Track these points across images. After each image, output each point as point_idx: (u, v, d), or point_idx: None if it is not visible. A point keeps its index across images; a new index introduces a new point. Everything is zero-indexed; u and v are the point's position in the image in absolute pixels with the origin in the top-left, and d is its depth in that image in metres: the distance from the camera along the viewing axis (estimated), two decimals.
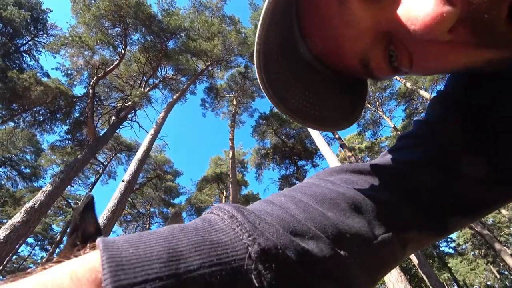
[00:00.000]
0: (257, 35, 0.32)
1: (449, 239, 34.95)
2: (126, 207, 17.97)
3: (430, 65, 0.32)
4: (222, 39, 17.00)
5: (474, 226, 20.47)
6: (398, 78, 20.29)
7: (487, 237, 17.69)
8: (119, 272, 0.17)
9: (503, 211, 19.21)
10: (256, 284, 0.21)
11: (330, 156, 12.14)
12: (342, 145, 19.26)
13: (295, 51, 0.37)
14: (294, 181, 26.10)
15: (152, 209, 25.57)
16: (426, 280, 12.76)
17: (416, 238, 0.36)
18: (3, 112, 13.77)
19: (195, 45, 16.01)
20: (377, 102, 23.05)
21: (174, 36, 16.36)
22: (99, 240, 0.21)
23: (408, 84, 18.97)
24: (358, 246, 0.30)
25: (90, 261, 0.19)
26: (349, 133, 33.79)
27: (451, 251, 34.80)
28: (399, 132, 23.25)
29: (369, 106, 22.71)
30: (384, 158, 0.44)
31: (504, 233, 33.05)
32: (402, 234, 0.34)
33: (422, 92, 19.56)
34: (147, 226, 25.49)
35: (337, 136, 19.33)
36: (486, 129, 0.39)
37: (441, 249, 34.19)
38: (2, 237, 7.97)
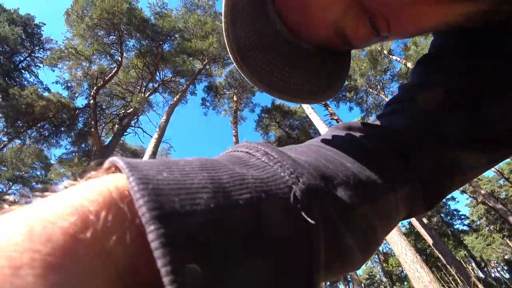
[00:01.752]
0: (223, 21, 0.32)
1: (462, 217, 34.77)
2: None
3: (407, 27, 0.33)
4: (217, 36, 16.94)
5: (487, 201, 20.30)
6: (398, 59, 20.02)
7: (501, 211, 17.56)
8: (158, 197, 0.15)
9: None
10: (305, 224, 0.20)
11: None
12: None
13: (269, 25, 0.36)
14: None
15: None
16: (442, 259, 12.74)
17: (411, 197, 0.36)
18: (9, 130, 13.96)
19: (191, 45, 16.00)
20: (378, 86, 22.84)
21: (169, 38, 16.36)
22: (116, 160, 0.18)
23: (409, 64, 18.73)
24: (375, 196, 0.30)
25: (112, 183, 0.16)
26: (353, 118, 33.63)
27: (465, 228, 34.64)
28: None
29: (371, 90, 22.52)
30: (374, 123, 0.44)
31: None
32: (402, 188, 0.34)
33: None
34: None
35: (339, 122, 19.27)
36: (472, 84, 0.38)
37: (455, 227, 34.05)
38: None
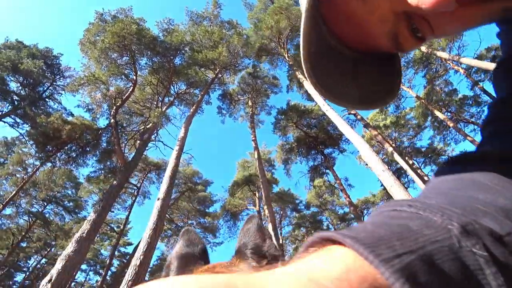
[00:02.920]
0: (301, 46, 0.38)
1: None
2: (165, 223, 18.65)
3: (449, 28, 0.36)
4: (226, 44, 17.15)
5: None
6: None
7: None
8: (375, 249, 0.19)
9: None
10: (476, 261, 0.21)
11: (356, 139, 11.87)
12: (366, 125, 18.84)
13: (328, 46, 0.43)
14: (324, 170, 25.79)
15: (189, 221, 26.32)
16: None
17: None
18: (40, 155, 14.79)
19: (201, 56, 16.30)
20: None
21: (179, 52, 16.75)
22: (337, 236, 0.22)
23: (423, 48, 18.05)
24: None
25: (337, 255, 0.20)
26: (371, 111, 32.87)
27: None
28: (423, 101, 22.20)
29: None
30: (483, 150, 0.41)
31: None
32: None
33: (440, 53, 18.55)
34: None
35: (359, 117, 18.87)
36: None
37: None
38: (60, 267, 8.59)
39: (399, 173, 26.14)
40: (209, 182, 26.09)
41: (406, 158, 23.25)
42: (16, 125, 15.99)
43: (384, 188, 26.02)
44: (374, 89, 0.45)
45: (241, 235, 0.57)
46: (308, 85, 16.23)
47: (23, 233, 20.85)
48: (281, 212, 28.13)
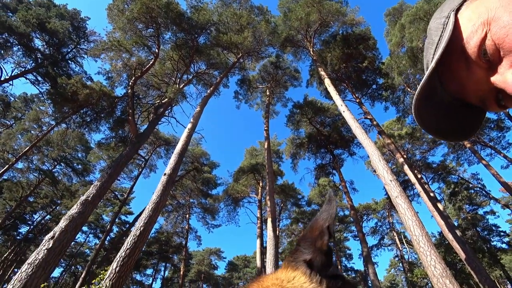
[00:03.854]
0: (418, 89, 0.51)
1: (502, 233, 32.20)
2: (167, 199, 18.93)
3: None
4: (252, 30, 16.90)
5: None
6: None
7: None
8: None
9: None
10: None
11: (368, 144, 11.68)
12: (381, 132, 18.48)
13: (435, 92, 0.55)
14: (331, 170, 25.63)
15: (191, 200, 26.70)
16: (474, 276, 11.98)
17: None
18: (56, 115, 15.06)
19: (226, 38, 16.13)
20: (418, 85, 21.62)
21: (204, 31, 16.60)
22: None
23: None
24: None
25: None
26: (388, 118, 32.22)
27: (504, 246, 31.99)
28: None
29: (409, 89, 21.34)
30: None
31: None
32: None
33: None
34: (187, 216, 26.71)
35: (375, 123, 18.51)
36: None
37: (492, 243, 31.61)
38: (63, 226, 8.83)
39: (405, 185, 25.79)
40: (216, 164, 26.27)
41: (416, 171, 22.84)
42: (37, 83, 16.26)
43: (388, 198, 25.76)
44: (457, 128, 0.58)
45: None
46: (328, 83, 15.95)
47: (32, 188, 21.51)
48: (282, 204, 28.24)
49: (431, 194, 22.19)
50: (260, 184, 25.01)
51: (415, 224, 8.38)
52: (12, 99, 19.11)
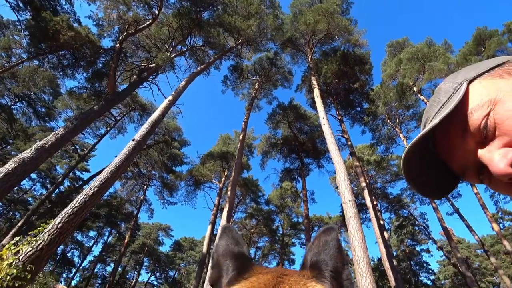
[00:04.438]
0: (409, 145, 0.54)
1: (430, 271, 34.82)
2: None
3: (500, 190, 0.49)
4: (258, 20, 16.63)
5: (459, 265, 20.24)
6: (425, 100, 19.63)
7: (468, 279, 17.47)
8: None
9: (492, 259, 18.88)
10: None
11: (338, 161, 11.99)
12: (352, 153, 19.07)
13: (426, 146, 0.58)
14: (296, 176, 26.11)
15: (153, 172, 26.02)
16: None
17: None
18: (31, 49, 13.92)
19: (230, 20, 15.75)
20: (397, 119, 22.48)
21: (211, 7, 16.10)
22: None
23: None
24: None
25: None
26: (362, 142, 33.39)
27: (429, 282, 34.68)
28: None
29: (389, 121, 22.20)
30: None
31: (486, 280, 32.78)
32: None
33: None
34: (145, 186, 26.04)
35: (349, 143, 19.07)
36: None
37: (420, 278, 34.12)
38: (10, 169, 8.20)
39: (360, 208, 26.94)
40: (187, 142, 25.76)
41: (373, 197, 23.90)
42: (17, 8, 14.86)
43: (342, 216, 26.74)
44: (432, 185, 0.61)
45: (317, 246, 0.52)
46: (317, 93, 16.14)
47: None
48: (241, 197, 28.36)
49: (381, 222, 23.41)
50: (225, 172, 24.91)
51: (360, 246, 8.79)
52: None
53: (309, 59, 18.85)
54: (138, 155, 21.12)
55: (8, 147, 20.47)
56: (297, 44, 19.32)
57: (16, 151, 19.41)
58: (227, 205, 16.07)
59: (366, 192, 16.93)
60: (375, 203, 24.80)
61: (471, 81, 0.51)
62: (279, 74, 21.69)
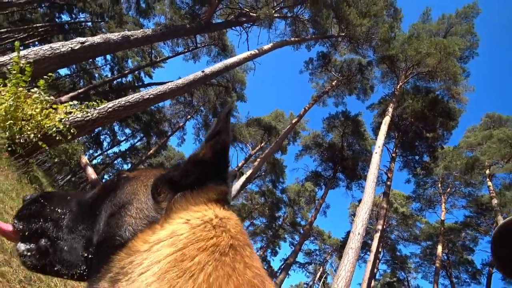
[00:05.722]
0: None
1: None
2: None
3: None
4: (373, 23, 15.64)
5: None
6: (491, 188, 17.61)
7: None
8: None
9: None
10: None
11: (369, 193, 11.61)
12: (385, 194, 18.15)
13: None
14: (322, 183, 25.69)
15: (201, 108, 26.98)
16: None
17: None
18: None
19: (346, 10, 15.00)
20: (449, 189, 20.64)
21: None
22: None
23: (495, 201, 16.50)
24: None
25: None
26: (401, 189, 31.54)
27: None
28: (442, 228, 20.80)
29: (439, 185, 20.53)
30: None
31: None
32: None
33: (500, 218, 17.12)
34: (189, 117, 27.19)
35: (388, 183, 18.12)
36: None
37: None
38: (96, 42, 8.91)
39: (363, 246, 26.08)
40: (244, 98, 26.07)
41: (381, 245, 22.98)
42: None
43: (343, 242, 26.19)
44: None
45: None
46: (386, 121, 15.19)
47: None
48: (263, 173, 28.68)
49: (375, 270, 22.59)
50: (262, 144, 25.13)
51: (345, 278, 8.85)
52: None
53: (399, 86, 17.59)
54: (198, 87, 21.90)
55: (102, 23, 22.14)
56: (395, 65, 17.99)
57: (106, 30, 21.00)
58: (248, 173, 16.42)
59: (377, 236, 16.29)
60: (380, 249, 23.87)
61: None
62: (361, 83, 20.62)
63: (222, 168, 0.52)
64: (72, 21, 22.15)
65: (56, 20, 21.80)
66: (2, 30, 19.21)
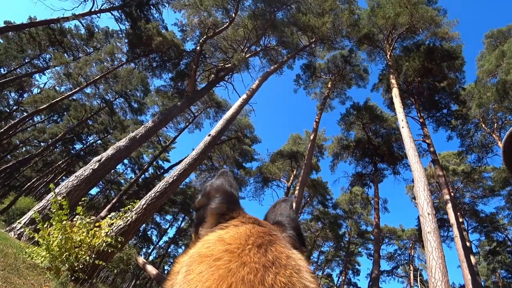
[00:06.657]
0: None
1: None
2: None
3: None
4: (333, 17, 16.16)
5: None
6: None
7: None
8: None
9: None
10: None
11: (417, 169, 10.91)
12: (435, 161, 17.08)
13: None
14: (368, 181, 24.59)
15: (224, 166, 27.55)
16: None
17: None
18: (129, 54, 16.10)
19: (304, 19, 15.66)
20: (496, 124, 19.07)
21: (284, 6, 16.26)
22: None
23: None
24: None
25: None
26: (448, 149, 29.65)
27: None
28: None
29: (483, 125, 19.13)
30: None
31: None
32: None
33: None
34: None
35: (432, 149, 17.13)
36: None
37: None
38: (110, 154, 9.69)
39: (441, 223, 23.84)
40: (258, 140, 26.53)
41: (458, 214, 20.81)
42: (119, 20, 17.35)
43: (419, 230, 24.09)
44: None
45: (279, 208, 0.64)
46: (395, 93, 14.92)
47: (93, 113, 23.72)
48: (308, 199, 28.00)
49: (467, 244, 20.23)
50: (294, 172, 24.90)
51: (438, 267, 7.77)
52: (96, 30, 20.72)
53: (388, 56, 17.52)
54: (212, 150, 22.64)
55: (109, 135, 24.08)
56: (374, 40, 18.12)
57: (114, 140, 22.76)
58: (294, 205, 16.04)
59: (449, 207, 14.98)
60: (460, 220, 21.66)
61: None
62: (353, 72, 20.70)
63: None
64: (84, 146, 24.10)
65: (72, 152, 23.82)
66: (33, 180, 21.19)
